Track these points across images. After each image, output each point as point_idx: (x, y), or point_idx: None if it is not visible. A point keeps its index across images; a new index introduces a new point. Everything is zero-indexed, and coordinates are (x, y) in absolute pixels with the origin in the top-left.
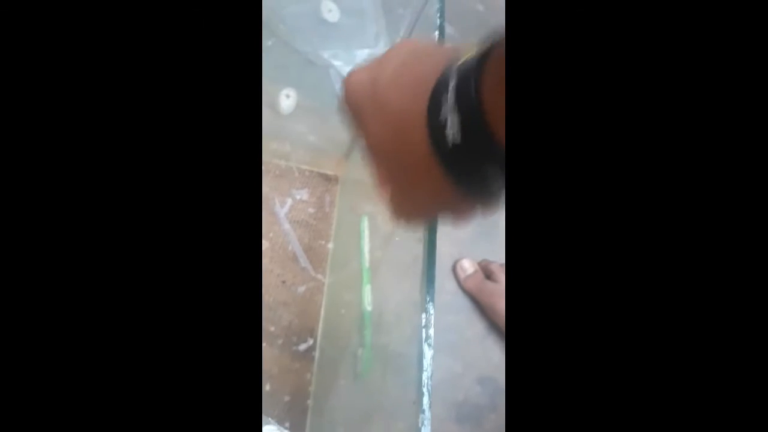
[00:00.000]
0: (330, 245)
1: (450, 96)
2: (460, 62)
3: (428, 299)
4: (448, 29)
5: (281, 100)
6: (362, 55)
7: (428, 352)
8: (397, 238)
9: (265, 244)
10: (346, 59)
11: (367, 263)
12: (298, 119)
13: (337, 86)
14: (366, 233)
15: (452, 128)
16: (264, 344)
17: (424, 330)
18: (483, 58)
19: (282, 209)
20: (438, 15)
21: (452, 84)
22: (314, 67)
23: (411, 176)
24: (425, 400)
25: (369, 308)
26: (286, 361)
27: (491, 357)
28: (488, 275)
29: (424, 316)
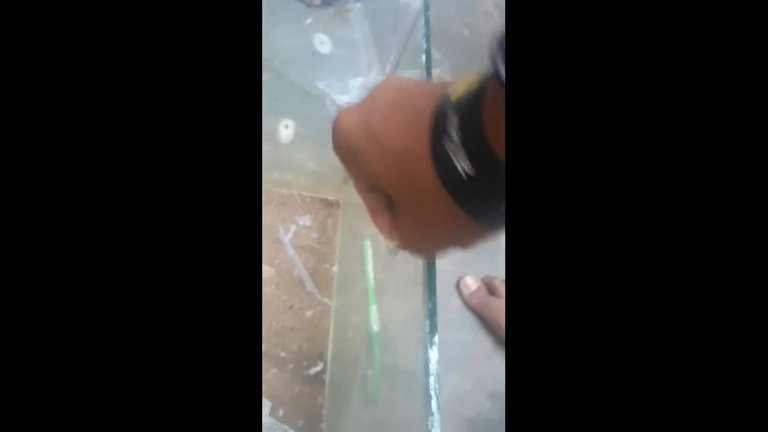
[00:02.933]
0: (335, 268)
1: (455, 132)
2: (455, 98)
3: (431, 306)
4: (436, 54)
5: (280, 131)
6: (356, 83)
7: (434, 356)
8: (399, 257)
9: (271, 271)
10: (341, 88)
11: (372, 284)
12: (298, 148)
13: (334, 114)
14: (369, 254)
15: (461, 161)
16: (274, 370)
17: (429, 335)
18: (479, 91)
19: (286, 236)
20: (424, 40)
21: (455, 120)
22: (310, 98)
23: (422, 211)
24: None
25: (376, 328)
26: (297, 385)
27: (499, 373)
28: (491, 291)
29: (427, 323)
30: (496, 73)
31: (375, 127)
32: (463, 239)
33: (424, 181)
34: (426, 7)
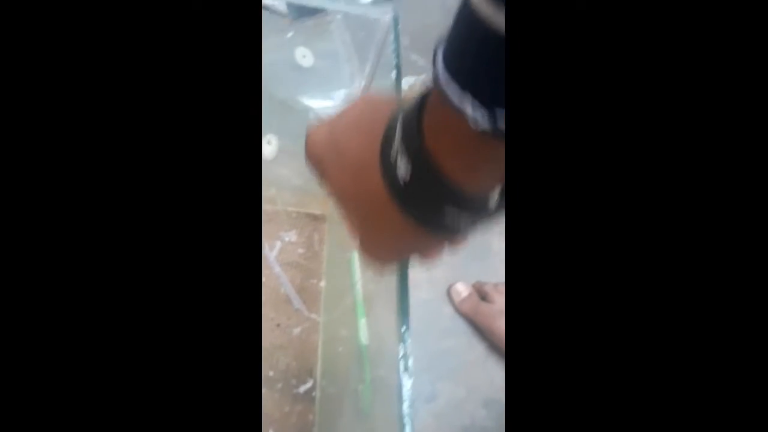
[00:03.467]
0: (322, 284)
1: (397, 137)
2: (402, 112)
3: (405, 329)
4: (420, 61)
5: (264, 147)
6: (339, 95)
7: (407, 382)
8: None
9: None
10: (324, 101)
11: (360, 297)
12: (281, 163)
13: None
14: (357, 267)
15: (401, 168)
16: (264, 389)
17: (402, 361)
18: (422, 99)
19: (272, 253)
20: (395, 56)
21: (398, 125)
22: (293, 112)
23: (374, 220)
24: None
25: (366, 342)
26: (287, 404)
27: (494, 379)
28: (483, 297)
29: (402, 347)
30: (436, 79)
31: (339, 139)
32: (417, 247)
33: (374, 190)
34: (396, 22)
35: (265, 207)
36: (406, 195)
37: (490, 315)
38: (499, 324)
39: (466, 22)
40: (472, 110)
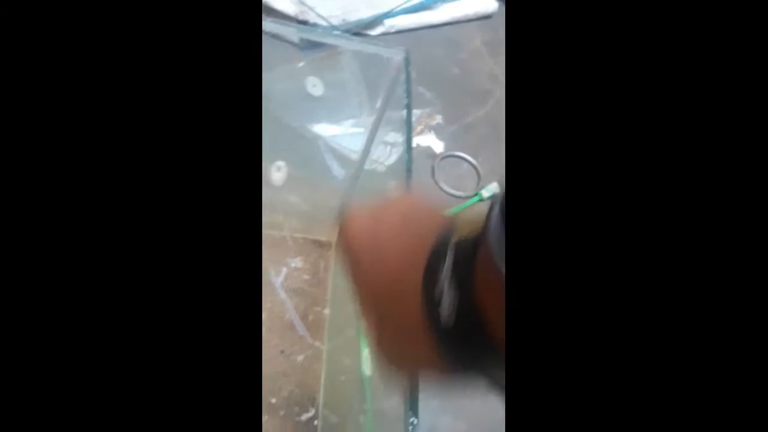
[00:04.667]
0: (326, 311)
1: (446, 275)
2: (456, 239)
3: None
4: (427, 94)
5: (272, 173)
6: (348, 124)
7: (409, 415)
8: None
9: (263, 315)
10: (333, 130)
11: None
12: (290, 190)
13: (326, 156)
14: None
15: (447, 309)
16: (266, 416)
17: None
18: (475, 246)
19: (278, 279)
20: (405, 95)
21: (449, 264)
22: (303, 140)
23: (402, 338)
24: None
25: (368, 373)
26: None
27: (494, 413)
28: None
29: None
30: (491, 239)
31: (380, 242)
32: (438, 372)
33: (410, 312)
34: (407, 62)
35: (272, 232)
36: (445, 338)
37: None
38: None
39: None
40: None
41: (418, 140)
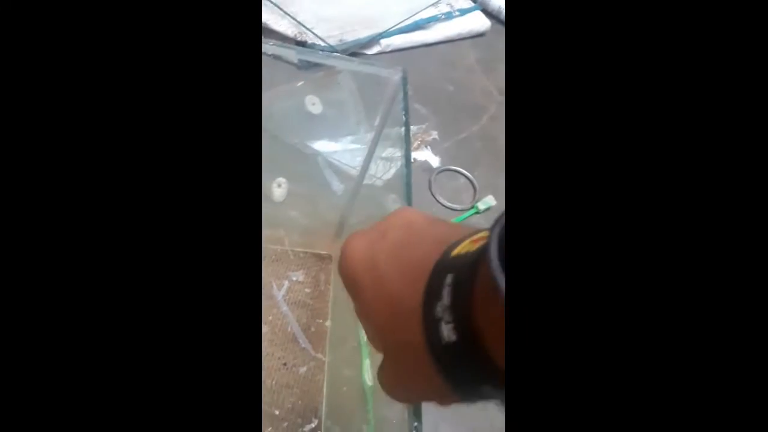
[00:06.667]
0: (328, 323)
1: (444, 299)
2: (455, 253)
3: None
4: (422, 110)
5: (274, 190)
6: (346, 140)
7: (411, 423)
8: None
9: (265, 328)
10: (332, 147)
11: (364, 337)
12: (291, 205)
13: (325, 172)
14: None
15: (445, 333)
16: (270, 428)
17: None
18: (474, 267)
19: (279, 292)
20: (403, 113)
21: (449, 281)
22: (303, 156)
23: (404, 362)
24: None
25: (370, 383)
26: None
27: (494, 422)
28: None
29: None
30: (488, 266)
31: (379, 265)
32: (439, 398)
33: (409, 332)
34: (405, 81)
35: (274, 247)
36: (446, 360)
37: None
38: None
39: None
40: None
41: (415, 155)
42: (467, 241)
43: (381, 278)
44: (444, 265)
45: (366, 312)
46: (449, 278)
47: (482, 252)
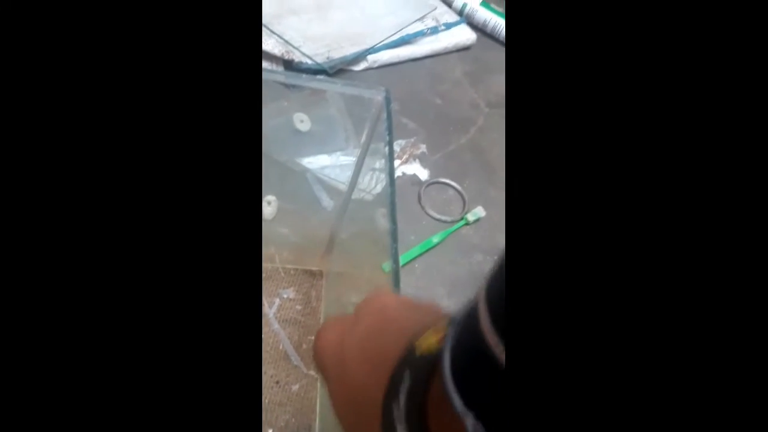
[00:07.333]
0: None
1: (403, 397)
2: (417, 354)
3: None
4: (411, 124)
5: (263, 208)
6: (335, 157)
7: None
8: None
9: None
10: (321, 163)
11: None
12: (280, 223)
13: (315, 188)
14: None
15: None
16: None
17: None
18: (428, 375)
19: (271, 310)
20: (387, 133)
21: (407, 384)
22: (292, 174)
23: None
24: None
25: None
26: None
27: None
28: None
29: None
30: (441, 379)
31: (346, 358)
32: None
33: (370, 429)
34: (388, 101)
35: (265, 265)
36: None
37: None
38: None
39: (472, 344)
40: (473, 426)
41: (404, 169)
42: (430, 331)
43: (346, 372)
44: (406, 362)
45: (332, 403)
46: (408, 377)
47: (436, 360)
